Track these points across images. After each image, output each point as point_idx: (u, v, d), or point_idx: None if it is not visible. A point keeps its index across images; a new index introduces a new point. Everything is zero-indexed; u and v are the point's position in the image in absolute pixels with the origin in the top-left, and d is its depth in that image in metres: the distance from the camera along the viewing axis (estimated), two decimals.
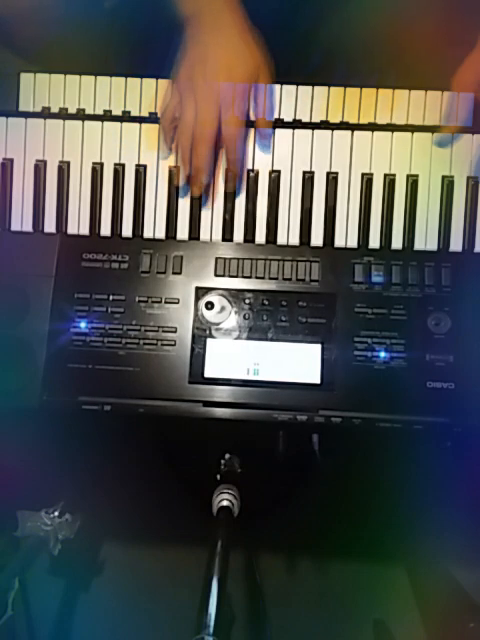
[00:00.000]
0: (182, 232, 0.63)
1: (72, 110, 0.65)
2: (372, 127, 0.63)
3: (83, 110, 0.65)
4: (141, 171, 0.64)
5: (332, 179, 0.63)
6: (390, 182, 0.63)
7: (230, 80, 0.57)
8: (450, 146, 0.62)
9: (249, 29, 0.58)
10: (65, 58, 0.67)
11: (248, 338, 0.60)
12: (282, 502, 0.84)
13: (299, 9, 0.69)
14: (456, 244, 0.62)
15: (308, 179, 0.63)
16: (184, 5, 0.57)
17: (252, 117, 0.61)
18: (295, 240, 0.63)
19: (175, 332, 0.60)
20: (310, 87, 0.64)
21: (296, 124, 0.63)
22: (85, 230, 0.64)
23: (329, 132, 0.63)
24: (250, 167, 0.64)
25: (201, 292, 0.62)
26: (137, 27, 0.70)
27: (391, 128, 0.63)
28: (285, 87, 0.64)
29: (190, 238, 0.63)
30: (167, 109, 0.61)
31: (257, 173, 0.63)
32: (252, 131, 0.63)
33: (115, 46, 0.68)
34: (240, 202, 0.64)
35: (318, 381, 0.59)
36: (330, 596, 0.87)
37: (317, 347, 0.60)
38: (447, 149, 0.62)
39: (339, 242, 0.63)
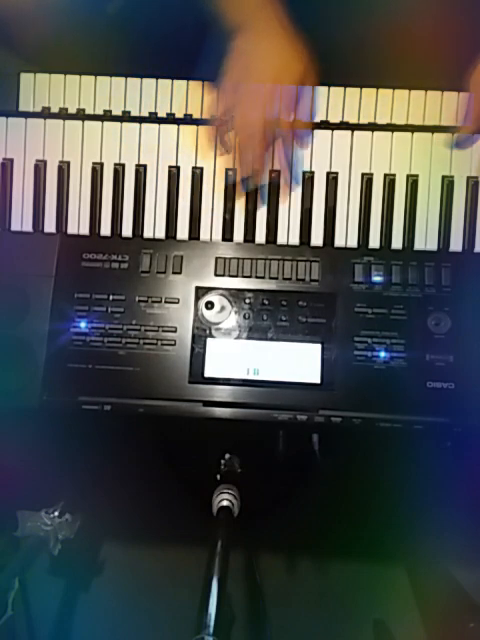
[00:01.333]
0: (182, 232, 0.63)
1: (72, 110, 0.65)
2: (372, 127, 0.63)
3: (83, 110, 0.65)
4: (141, 171, 0.64)
5: (332, 179, 0.63)
6: (390, 182, 0.63)
7: (279, 81, 0.58)
8: (471, 147, 0.62)
9: (294, 35, 0.59)
10: (65, 58, 0.67)
11: (248, 338, 0.60)
12: (282, 502, 0.84)
13: (299, 8, 0.69)
14: (456, 244, 0.62)
15: (308, 179, 0.63)
16: (233, 14, 0.59)
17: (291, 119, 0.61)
18: (295, 240, 0.63)
19: (175, 332, 0.60)
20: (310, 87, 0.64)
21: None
22: (85, 230, 0.64)
23: (329, 132, 0.63)
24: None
25: (201, 292, 0.62)
26: (137, 27, 0.70)
27: (391, 128, 0.63)
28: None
29: (190, 238, 0.63)
30: (219, 114, 0.61)
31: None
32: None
33: (115, 46, 0.68)
34: (240, 202, 0.63)
35: (318, 381, 0.59)
36: (330, 596, 0.87)
37: (317, 347, 0.60)
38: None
39: (339, 242, 0.63)
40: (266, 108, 0.58)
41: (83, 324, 0.61)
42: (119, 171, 0.64)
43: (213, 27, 0.60)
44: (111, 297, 0.61)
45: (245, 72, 0.58)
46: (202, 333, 0.61)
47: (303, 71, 0.59)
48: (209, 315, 0.61)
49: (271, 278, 0.62)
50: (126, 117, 0.64)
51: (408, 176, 0.63)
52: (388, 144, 0.63)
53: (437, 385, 0.58)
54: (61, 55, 0.66)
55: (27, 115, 0.64)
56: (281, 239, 0.63)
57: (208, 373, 0.59)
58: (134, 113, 0.64)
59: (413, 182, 0.62)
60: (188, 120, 0.64)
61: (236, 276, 0.62)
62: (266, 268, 0.62)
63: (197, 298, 0.61)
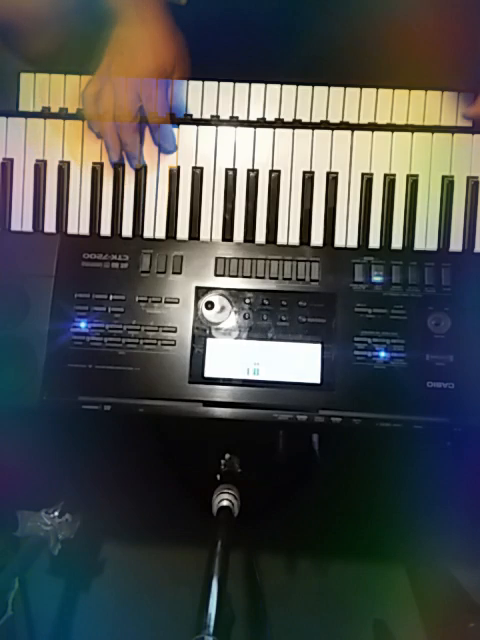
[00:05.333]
0: (182, 232, 0.63)
1: (72, 110, 0.65)
2: (372, 127, 0.63)
3: (83, 110, 0.64)
4: (141, 171, 0.64)
5: (332, 179, 0.63)
6: (390, 182, 0.63)
7: (142, 73, 0.59)
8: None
9: (169, 26, 0.60)
10: (65, 58, 0.66)
11: (248, 338, 0.60)
12: (282, 502, 0.84)
13: (299, 9, 0.69)
14: (456, 244, 0.62)
15: (308, 179, 0.63)
16: (110, 1, 0.60)
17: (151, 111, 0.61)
18: (295, 240, 0.63)
19: (175, 332, 0.60)
20: (310, 87, 0.64)
21: (296, 124, 0.63)
22: (85, 230, 0.64)
23: (329, 132, 0.63)
24: (250, 166, 0.64)
25: (201, 292, 0.62)
26: None
27: (391, 128, 0.63)
28: (285, 87, 0.64)
29: (190, 238, 0.63)
30: (87, 97, 0.61)
31: (257, 173, 0.63)
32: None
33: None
34: (240, 202, 0.64)
35: (318, 381, 0.59)
36: (330, 596, 0.87)
37: (317, 347, 0.60)
38: (447, 149, 0.62)
39: (339, 242, 0.63)
40: (132, 98, 0.59)
41: (83, 324, 0.61)
42: (119, 171, 0.64)
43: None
44: (111, 297, 0.61)
45: (114, 64, 0.60)
46: (202, 333, 0.61)
47: (169, 63, 0.60)
48: (209, 315, 0.61)
49: (271, 278, 0.62)
50: None
51: (408, 176, 0.63)
52: (388, 144, 0.63)
53: (437, 385, 0.58)
54: (61, 55, 0.66)
55: (27, 115, 0.64)
56: (281, 239, 0.63)
57: (208, 373, 0.59)
58: None
59: (413, 182, 0.62)
60: (188, 120, 0.64)
61: (236, 276, 0.62)
62: (266, 268, 0.62)
63: (197, 298, 0.61)
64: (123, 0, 0.59)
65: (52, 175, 0.64)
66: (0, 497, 0.74)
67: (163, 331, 0.60)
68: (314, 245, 0.63)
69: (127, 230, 0.64)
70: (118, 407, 0.59)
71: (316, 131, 0.63)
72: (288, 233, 0.63)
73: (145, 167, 0.64)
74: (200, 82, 0.64)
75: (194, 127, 0.64)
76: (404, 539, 0.84)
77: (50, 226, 0.64)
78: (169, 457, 0.82)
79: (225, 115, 0.64)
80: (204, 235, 0.63)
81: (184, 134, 0.64)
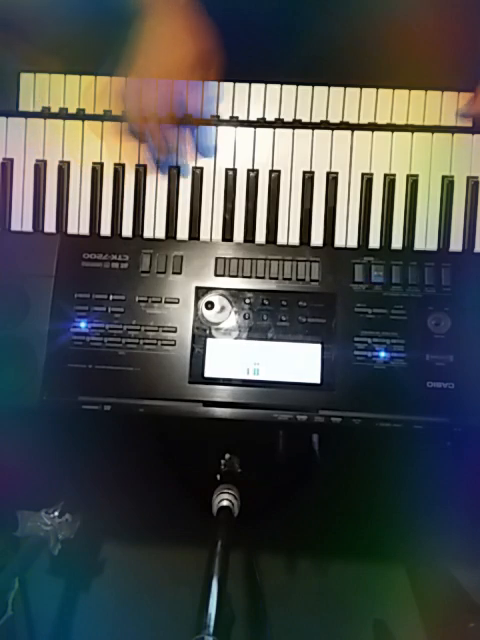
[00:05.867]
0: (182, 232, 0.63)
1: (72, 110, 0.65)
2: (372, 127, 0.63)
3: (83, 110, 0.64)
4: (141, 171, 0.64)
5: (332, 179, 0.63)
6: (390, 182, 0.63)
7: (179, 71, 0.58)
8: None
9: (202, 22, 0.59)
10: (65, 58, 0.66)
11: (248, 338, 0.60)
12: (282, 502, 0.84)
13: (299, 9, 0.69)
14: (456, 244, 0.62)
15: (308, 179, 0.63)
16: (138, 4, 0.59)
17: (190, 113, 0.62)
18: (295, 240, 0.63)
19: (175, 332, 0.60)
20: (310, 87, 0.64)
21: (296, 124, 0.63)
22: (85, 230, 0.64)
23: (329, 132, 0.63)
24: (250, 166, 0.64)
25: (201, 292, 0.62)
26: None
27: (391, 128, 0.63)
28: (285, 87, 0.64)
29: (190, 238, 0.63)
30: (126, 100, 0.61)
31: (257, 173, 0.63)
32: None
33: (115, 46, 0.68)
34: (240, 202, 0.64)
35: (318, 381, 0.59)
36: (330, 596, 0.87)
37: (317, 347, 0.60)
38: (447, 149, 0.62)
39: (339, 242, 0.63)
40: (165, 100, 0.58)
41: (83, 324, 0.61)
42: (119, 171, 0.64)
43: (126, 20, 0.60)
44: (111, 297, 0.61)
45: (149, 65, 0.59)
46: (202, 333, 0.61)
47: (202, 64, 0.59)
48: (209, 315, 0.61)
49: (271, 278, 0.62)
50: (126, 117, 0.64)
51: (408, 176, 0.63)
52: (388, 144, 0.63)
53: (437, 385, 0.58)
54: (61, 55, 0.66)
55: (27, 115, 0.64)
56: (281, 239, 0.63)
57: (208, 373, 0.59)
58: None
59: (413, 182, 0.62)
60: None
61: (236, 276, 0.62)
62: (266, 268, 0.62)
63: (197, 298, 0.61)
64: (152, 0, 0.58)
65: (52, 175, 0.64)
66: (0, 497, 0.74)
67: (163, 331, 0.60)
68: (314, 245, 0.63)
69: (127, 230, 0.64)
70: (118, 407, 0.59)
71: (316, 131, 0.63)
72: (288, 233, 0.63)
73: (145, 167, 0.64)
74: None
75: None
76: (404, 539, 0.84)
77: (50, 226, 0.64)
78: (169, 457, 0.82)
79: (225, 115, 0.64)
80: (204, 235, 0.63)
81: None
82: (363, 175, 0.63)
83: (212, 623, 0.43)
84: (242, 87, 0.64)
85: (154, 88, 0.58)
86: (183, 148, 0.63)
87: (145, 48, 0.59)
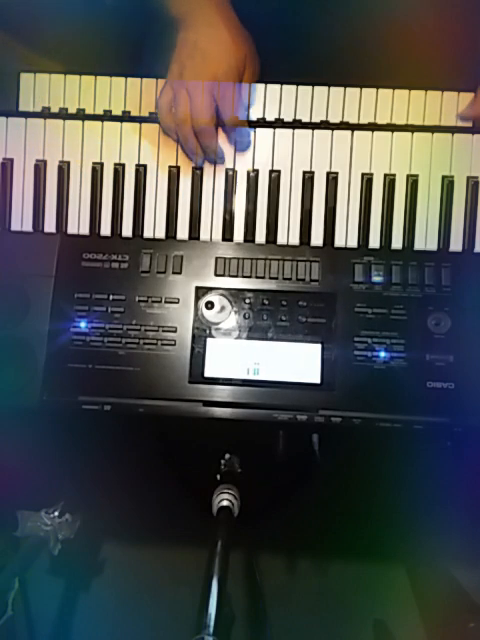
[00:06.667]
0: (182, 232, 0.63)
1: (72, 110, 0.65)
2: (372, 127, 0.63)
3: (83, 110, 0.65)
4: (141, 171, 0.64)
5: (332, 179, 0.63)
6: (390, 182, 0.63)
7: (216, 76, 0.58)
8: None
9: (238, 28, 0.59)
10: (65, 58, 0.66)
11: (248, 338, 0.60)
12: (282, 502, 0.84)
13: (299, 9, 0.69)
14: (456, 244, 0.62)
15: (308, 179, 0.63)
16: (175, 6, 0.59)
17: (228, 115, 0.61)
18: (295, 240, 0.63)
19: (175, 332, 0.60)
20: (310, 87, 0.64)
21: (296, 124, 0.63)
22: (85, 230, 0.64)
23: (329, 132, 0.63)
24: (250, 167, 0.64)
25: (201, 292, 0.62)
26: (137, 26, 0.70)
27: (391, 128, 0.63)
28: (285, 87, 0.64)
29: (190, 238, 0.63)
30: (163, 105, 0.61)
31: (257, 173, 0.63)
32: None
33: (115, 46, 0.68)
34: (240, 202, 0.64)
35: (318, 381, 0.59)
36: (330, 596, 0.87)
37: (317, 347, 0.60)
38: (447, 149, 0.62)
39: (339, 242, 0.63)
40: (208, 101, 0.58)
41: (83, 324, 0.61)
42: (119, 171, 0.64)
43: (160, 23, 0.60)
44: (111, 297, 0.61)
45: (187, 68, 0.59)
46: (202, 333, 0.61)
47: (240, 65, 0.59)
48: (209, 315, 0.61)
49: (271, 278, 0.62)
50: (126, 117, 0.64)
51: (408, 176, 0.63)
52: (388, 144, 0.63)
53: (437, 385, 0.58)
54: (61, 55, 0.66)
55: (27, 115, 0.64)
56: (281, 239, 0.63)
57: (208, 373, 0.59)
58: (134, 113, 0.64)
59: (413, 182, 0.62)
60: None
61: (236, 276, 0.62)
62: (266, 268, 0.62)
63: (197, 298, 0.61)
64: (189, 5, 0.58)
65: (52, 175, 0.64)
66: (0, 497, 0.74)
67: (163, 331, 0.60)
68: (314, 245, 0.63)
69: (127, 230, 0.64)
70: (118, 407, 0.59)
71: (316, 131, 0.63)
72: (288, 233, 0.63)
73: (145, 167, 0.64)
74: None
75: None
76: (404, 539, 0.84)
77: (50, 226, 0.64)
78: (169, 457, 0.82)
79: None
80: (204, 235, 0.63)
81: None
82: (363, 175, 0.63)
83: (212, 623, 0.43)
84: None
85: (195, 91, 0.58)
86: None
87: (180, 53, 0.59)
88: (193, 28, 0.59)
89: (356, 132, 0.63)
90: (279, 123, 0.63)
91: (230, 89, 0.59)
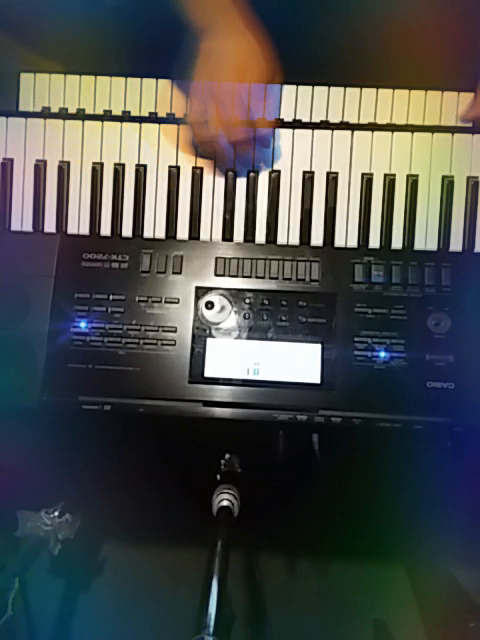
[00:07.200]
0: (182, 232, 0.63)
1: (72, 110, 0.65)
2: (372, 127, 0.63)
3: (83, 110, 0.65)
4: (141, 171, 0.64)
5: (332, 179, 0.63)
6: (390, 182, 0.63)
7: (245, 82, 0.58)
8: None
9: (259, 34, 0.59)
10: (65, 58, 0.66)
11: (248, 338, 0.60)
12: (282, 502, 0.84)
13: (299, 9, 0.69)
14: (456, 244, 0.62)
15: (308, 179, 0.63)
16: (198, 16, 0.59)
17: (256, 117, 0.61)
18: (295, 240, 0.63)
19: (175, 332, 0.60)
20: (310, 87, 0.64)
21: (296, 124, 0.63)
22: (85, 230, 0.64)
23: (329, 132, 0.63)
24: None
25: (201, 292, 0.62)
26: (137, 26, 0.70)
27: (391, 128, 0.63)
28: (285, 87, 0.64)
29: (190, 238, 0.63)
30: (194, 120, 0.61)
31: (257, 173, 0.63)
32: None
33: (115, 46, 0.68)
34: (240, 202, 0.64)
35: (318, 381, 0.59)
36: (330, 596, 0.87)
37: (317, 347, 0.60)
38: (447, 149, 0.62)
39: (339, 242, 0.63)
40: (239, 107, 0.58)
41: (83, 324, 0.61)
42: (119, 171, 0.64)
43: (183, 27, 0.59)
44: (111, 297, 0.61)
45: (210, 72, 0.58)
46: (202, 333, 0.61)
47: (269, 70, 0.59)
48: (209, 315, 0.61)
49: (271, 278, 0.62)
50: (126, 117, 0.64)
51: (408, 176, 0.63)
52: (388, 144, 0.63)
53: (437, 385, 0.58)
54: (61, 55, 0.66)
55: (27, 115, 0.64)
56: (281, 239, 0.63)
57: (208, 373, 0.59)
58: (134, 113, 0.64)
59: (413, 182, 0.62)
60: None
61: (236, 276, 0.62)
62: (266, 268, 0.62)
63: (197, 298, 0.61)
64: (212, 14, 0.58)
65: (52, 175, 0.64)
66: (0, 497, 0.74)
67: (163, 331, 0.60)
68: (314, 245, 0.63)
69: (127, 230, 0.64)
70: (118, 407, 0.59)
71: (316, 131, 0.63)
72: (288, 233, 0.63)
73: (145, 167, 0.64)
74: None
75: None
76: (404, 539, 0.84)
77: (50, 226, 0.64)
78: (169, 457, 0.82)
79: None
80: (204, 235, 0.63)
81: (183, 134, 0.64)
82: (363, 175, 0.63)
83: (212, 623, 0.43)
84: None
85: (224, 99, 0.58)
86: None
87: (205, 64, 0.59)
88: (217, 38, 0.58)
89: (356, 132, 0.63)
90: (279, 123, 0.63)
91: (261, 92, 0.58)
